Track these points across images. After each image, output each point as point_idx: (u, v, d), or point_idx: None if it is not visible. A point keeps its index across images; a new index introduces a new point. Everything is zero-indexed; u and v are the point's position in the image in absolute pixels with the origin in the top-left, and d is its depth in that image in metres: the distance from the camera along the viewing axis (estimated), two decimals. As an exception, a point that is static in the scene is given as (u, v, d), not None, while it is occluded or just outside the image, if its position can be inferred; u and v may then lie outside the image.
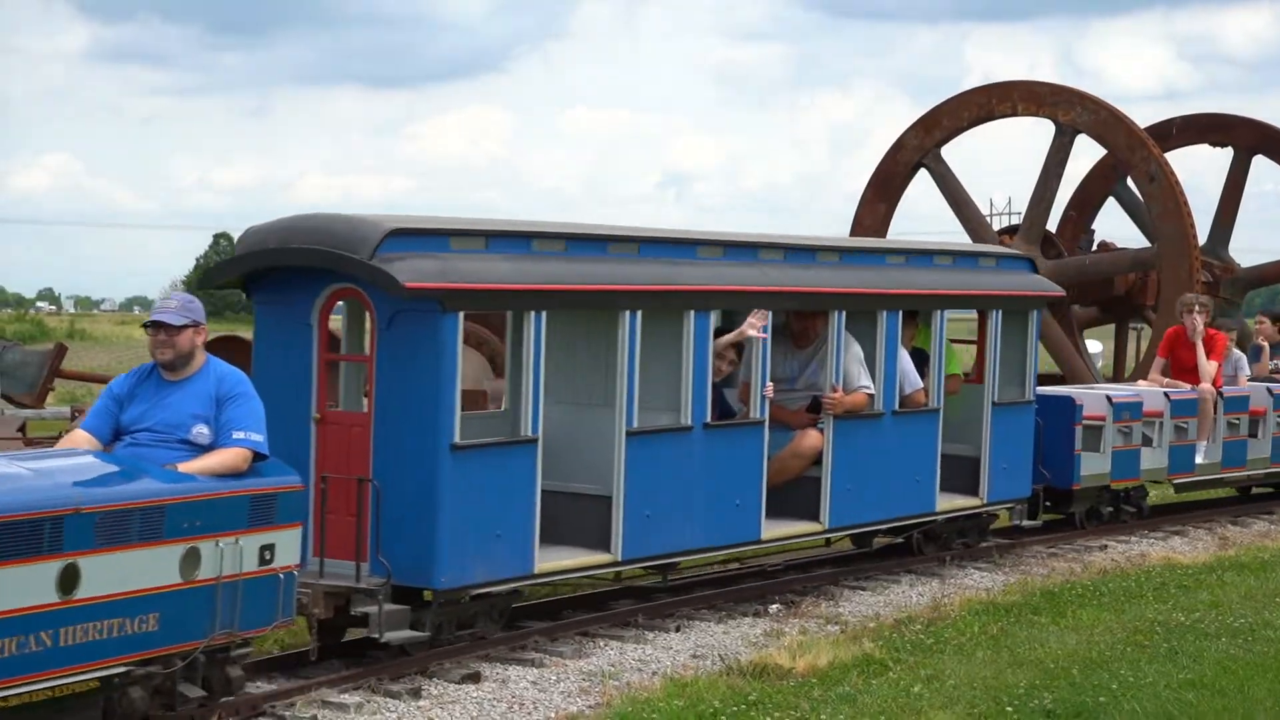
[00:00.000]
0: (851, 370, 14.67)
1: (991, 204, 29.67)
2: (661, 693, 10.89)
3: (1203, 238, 28.81)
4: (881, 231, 29.33)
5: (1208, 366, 19.67)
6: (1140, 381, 20.89)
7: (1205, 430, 19.72)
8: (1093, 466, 18.09)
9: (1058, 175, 28.06)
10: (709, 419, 13.26)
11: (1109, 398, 18.34)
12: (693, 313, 13.06)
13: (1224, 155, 32.15)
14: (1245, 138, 31.79)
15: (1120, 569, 16.49)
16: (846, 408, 14.64)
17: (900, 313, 15.24)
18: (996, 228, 28.88)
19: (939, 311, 15.92)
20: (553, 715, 10.60)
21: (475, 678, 11.32)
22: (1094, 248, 30.96)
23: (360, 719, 10.27)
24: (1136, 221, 31.28)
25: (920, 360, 16.00)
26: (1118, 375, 31.24)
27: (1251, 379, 21.46)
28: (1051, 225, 29.48)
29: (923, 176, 29.07)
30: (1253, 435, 20.77)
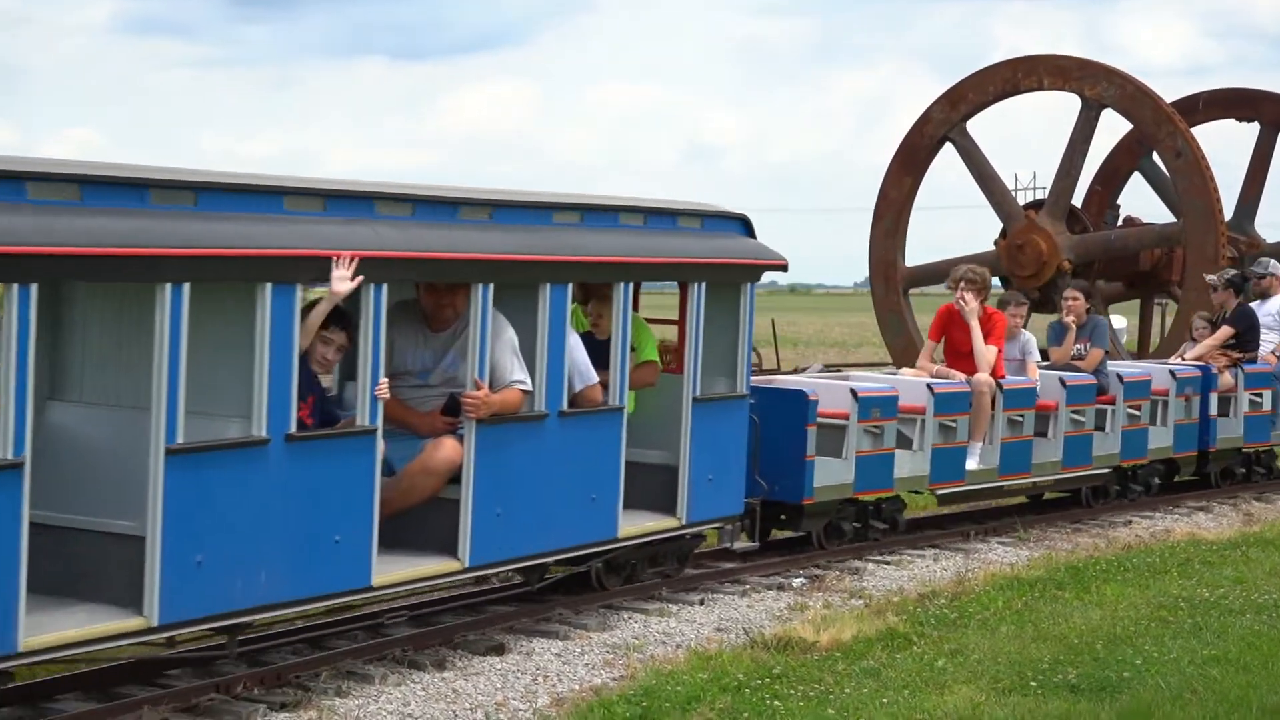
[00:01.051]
0: (502, 361, 11.44)
1: (1016, 179, 29.59)
2: (685, 665, 10.91)
3: (1229, 213, 28.70)
4: (907, 206, 29.29)
5: (985, 352, 16.34)
6: (905, 370, 17.96)
7: (980, 429, 16.40)
8: (831, 475, 14.86)
9: (1083, 150, 27.98)
10: (293, 429, 9.90)
11: (854, 391, 15.17)
12: (269, 285, 9.67)
13: (1250, 130, 32.03)
14: (1272, 113, 31.65)
15: (1145, 544, 16.47)
16: (494, 409, 11.32)
17: (570, 286, 11.98)
18: (1022, 202, 28.81)
19: (622, 284, 12.55)
20: (577, 687, 10.61)
21: (499, 649, 11.33)
22: (1119, 223, 30.86)
23: (385, 689, 10.29)
24: (1162, 197, 31.18)
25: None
26: (1143, 351, 31.20)
27: (1049, 366, 18.38)
28: (1077, 200, 29.39)
29: (948, 150, 29.00)
30: (1041, 434, 17.45)
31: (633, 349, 12.83)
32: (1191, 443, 19.75)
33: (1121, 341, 32.26)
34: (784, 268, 13.92)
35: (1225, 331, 20.50)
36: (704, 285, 13.08)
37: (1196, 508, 19.28)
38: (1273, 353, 20.94)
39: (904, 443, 15.67)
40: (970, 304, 16.37)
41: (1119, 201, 32.25)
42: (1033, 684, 10.48)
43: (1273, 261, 21.61)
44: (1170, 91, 31.75)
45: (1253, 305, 21.15)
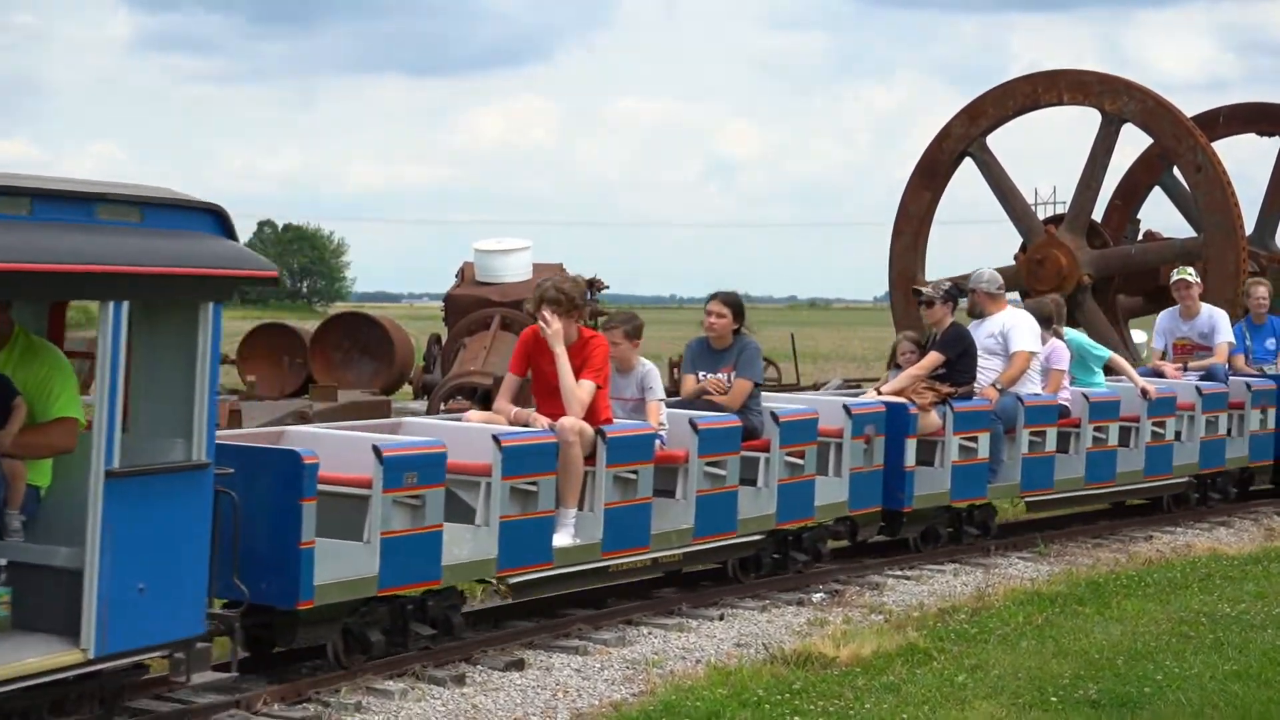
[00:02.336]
0: None
1: (1036, 193, 29.53)
2: (705, 681, 10.90)
3: (1250, 227, 28.64)
4: (927, 220, 29.27)
5: (576, 390, 12.36)
6: (471, 414, 13.22)
7: (572, 493, 12.24)
8: (345, 567, 10.56)
9: (1104, 165, 27.91)
10: None
11: (377, 449, 10.79)
12: None
13: (1271, 145, 31.92)
14: (1292, 127, 31.56)
15: (1165, 559, 16.43)
16: None
17: None
18: (1042, 217, 28.75)
19: None
20: (596, 703, 10.61)
21: (519, 665, 11.34)
22: (1140, 237, 30.81)
23: (405, 705, 10.29)
24: (1183, 211, 31.11)
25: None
26: (1162, 365, 31.07)
27: (680, 403, 14.17)
28: (1097, 215, 29.33)
29: (968, 164, 28.97)
30: (670, 495, 13.21)
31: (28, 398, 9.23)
32: (875, 498, 15.29)
33: (1141, 355, 32.21)
34: (273, 281, 9.75)
35: (932, 359, 15.88)
36: (127, 305, 8.83)
37: (1218, 523, 19.23)
38: (994, 385, 16.49)
39: (461, 515, 11.56)
40: (553, 326, 12.49)
41: (1139, 216, 32.18)
42: (1053, 699, 10.46)
43: (988, 272, 17.22)
44: (1190, 106, 31.75)
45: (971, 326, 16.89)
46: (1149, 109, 27.10)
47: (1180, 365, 19.66)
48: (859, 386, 31.44)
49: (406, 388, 32.05)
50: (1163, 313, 20.58)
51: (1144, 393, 18.26)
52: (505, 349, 28.07)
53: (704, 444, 13.16)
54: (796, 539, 14.47)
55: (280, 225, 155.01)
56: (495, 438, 11.59)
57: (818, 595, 14.19)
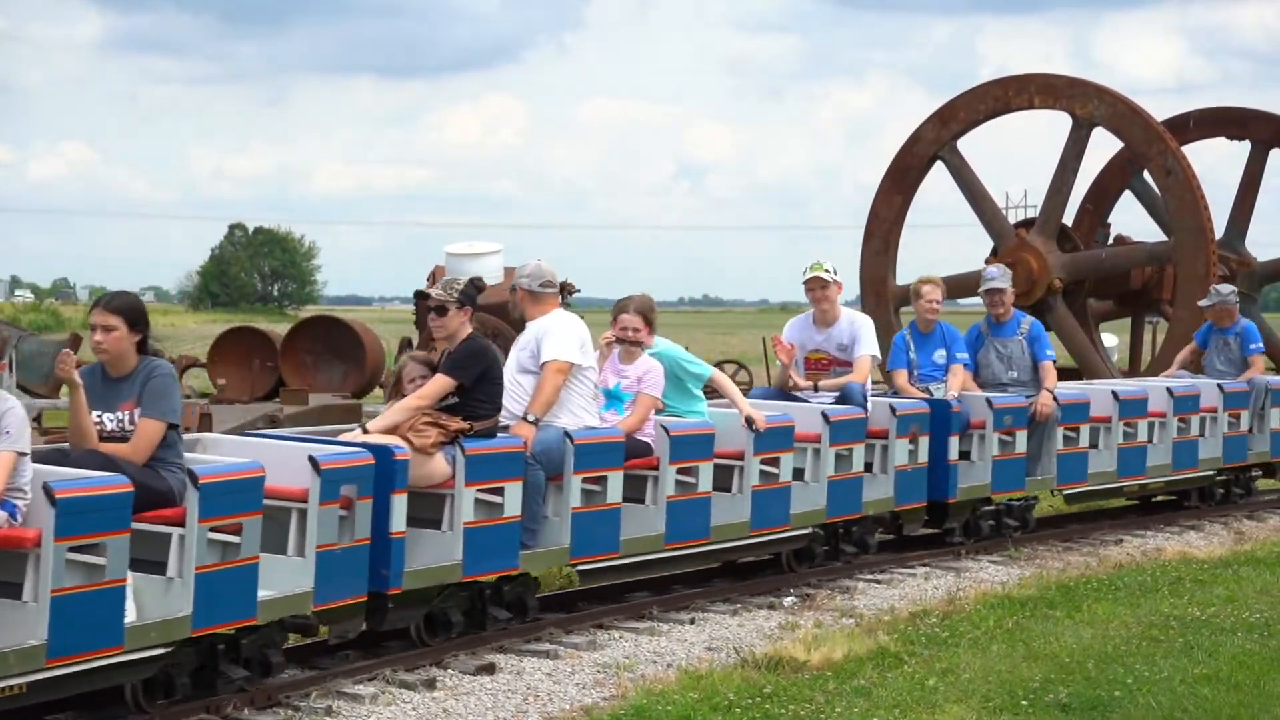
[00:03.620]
0: None
1: (1008, 197, 29.64)
2: (676, 685, 10.89)
3: (1219, 231, 28.77)
4: (898, 224, 29.36)
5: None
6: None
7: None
8: None
9: (1074, 168, 28.03)
10: None
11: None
12: None
13: (1241, 149, 32.11)
14: (1262, 131, 31.73)
15: (1136, 563, 16.45)
16: None
17: None
18: (1013, 221, 28.86)
19: None
20: (567, 707, 10.59)
21: (490, 669, 11.32)
22: (1110, 241, 30.93)
23: (375, 709, 10.27)
24: (1153, 215, 31.25)
25: None
26: (1133, 369, 31.23)
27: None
28: (1068, 219, 29.44)
29: (939, 168, 29.06)
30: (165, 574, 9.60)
31: None
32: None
33: (1112, 360, 32.32)
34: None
35: (436, 385, 11.59)
36: None
37: (1188, 526, 19.26)
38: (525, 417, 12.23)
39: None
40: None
41: (1110, 220, 32.33)
42: (1024, 703, 10.47)
43: (533, 264, 12.66)
44: (1159, 109, 31.92)
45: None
46: (1119, 113, 27.21)
47: (811, 383, 15.56)
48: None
49: (378, 391, 32.03)
50: (793, 319, 16.07)
51: (749, 422, 13.84)
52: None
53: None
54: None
55: (251, 228, 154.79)
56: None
57: (789, 599, 14.19)
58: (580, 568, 12.64)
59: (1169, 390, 18.97)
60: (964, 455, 16.35)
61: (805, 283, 15.60)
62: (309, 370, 28.60)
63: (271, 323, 60.45)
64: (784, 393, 15.50)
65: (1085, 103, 27.36)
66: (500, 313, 28.89)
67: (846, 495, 14.96)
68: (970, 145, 29.11)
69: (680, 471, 13.25)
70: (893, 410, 15.49)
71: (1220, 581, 15.27)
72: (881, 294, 29.19)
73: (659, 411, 13.43)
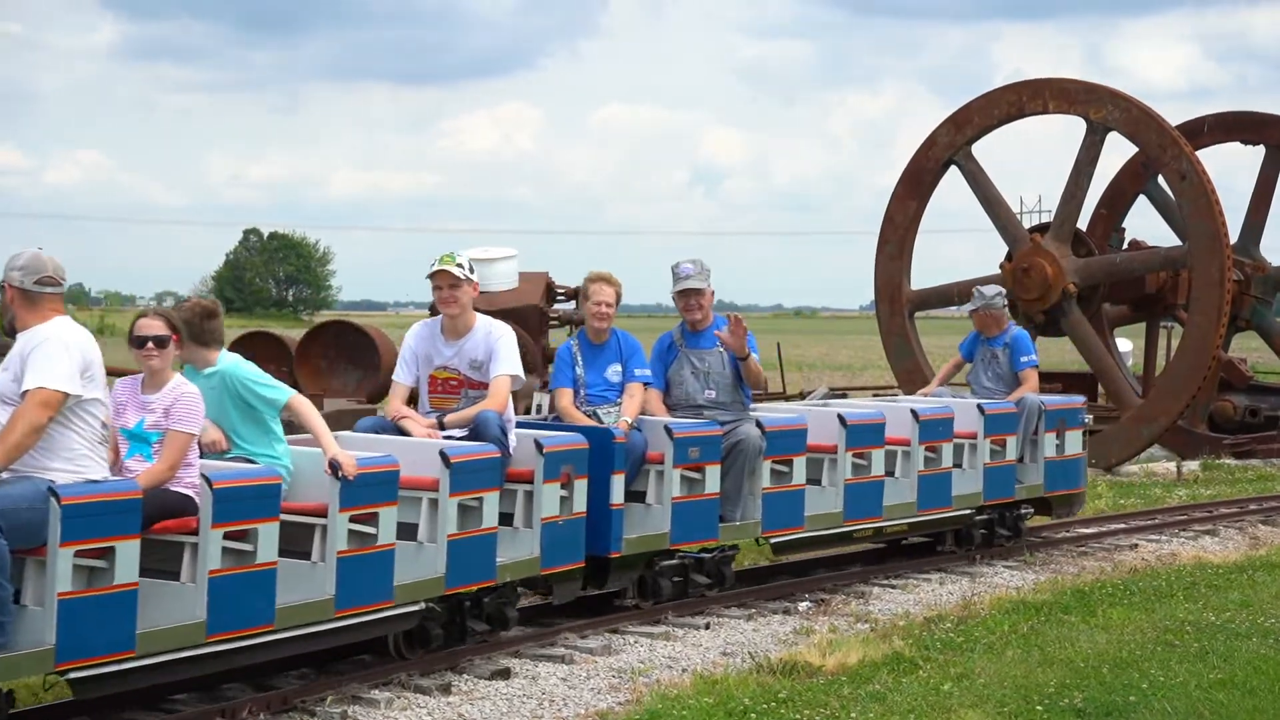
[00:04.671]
0: None
1: (1022, 202, 29.62)
2: (691, 690, 10.89)
3: (1234, 236, 28.73)
4: (913, 229, 29.34)
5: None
6: None
7: None
8: None
9: (1089, 173, 27.98)
10: None
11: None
12: None
13: (1255, 153, 32.09)
14: (1277, 136, 31.71)
15: (1151, 568, 16.45)
16: None
17: None
18: (1027, 225, 28.83)
19: None
20: (583, 712, 10.60)
21: (505, 674, 11.33)
22: (1125, 246, 30.90)
23: (391, 714, 10.28)
24: (1168, 220, 31.22)
25: None
26: (1148, 374, 31.21)
27: None
28: (1082, 223, 29.41)
29: (953, 173, 29.04)
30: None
31: None
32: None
33: (1127, 364, 32.29)
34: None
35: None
36: None
37: (1203, 531, 19.25)
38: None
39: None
40: None
41: (1124, 225, 32.30)
42: (1039, 708, 10.46)
43: (27, 254, 9.16)
44: (1173, 114, 31.88)
45: None
46: (1134, 118, 27.16)
47: (441, 413, 11.96)
48: (845, 395, 31.45)
49: (392, 396, 32.02)
50: (418, 325, 12.45)
51: (333, 467, 10.18)
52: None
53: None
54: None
55: (266, 234, 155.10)
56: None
57: (804, 604, 14.19)
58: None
59: (914, 413, 15.61)
60: (637, 497, 13.17)
61: (429, 277, 12.12)
62: (324, 375, 28.60)
63: (286, 328, 60.55)
64: (397, 425, 11.86)
65: (1100, 107, 27.32)
66: (514, 317, 28.92)
67: (473, 559, 11.26)
68: (985, 150, 29.07)
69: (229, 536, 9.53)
70: (539, 447, 11.88)
71: (1235, 586, 15.26)
72: (896, 300, 29.19)
73: (222, 453, 10.33)
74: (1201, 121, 31.93)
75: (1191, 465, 27.39)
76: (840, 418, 14.75)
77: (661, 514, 13.12)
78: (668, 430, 13.11)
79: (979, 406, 16.34)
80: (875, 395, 16.28)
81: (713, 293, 14.17)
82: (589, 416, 13.06)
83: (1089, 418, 17.90)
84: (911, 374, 28.81)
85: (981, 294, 17.08)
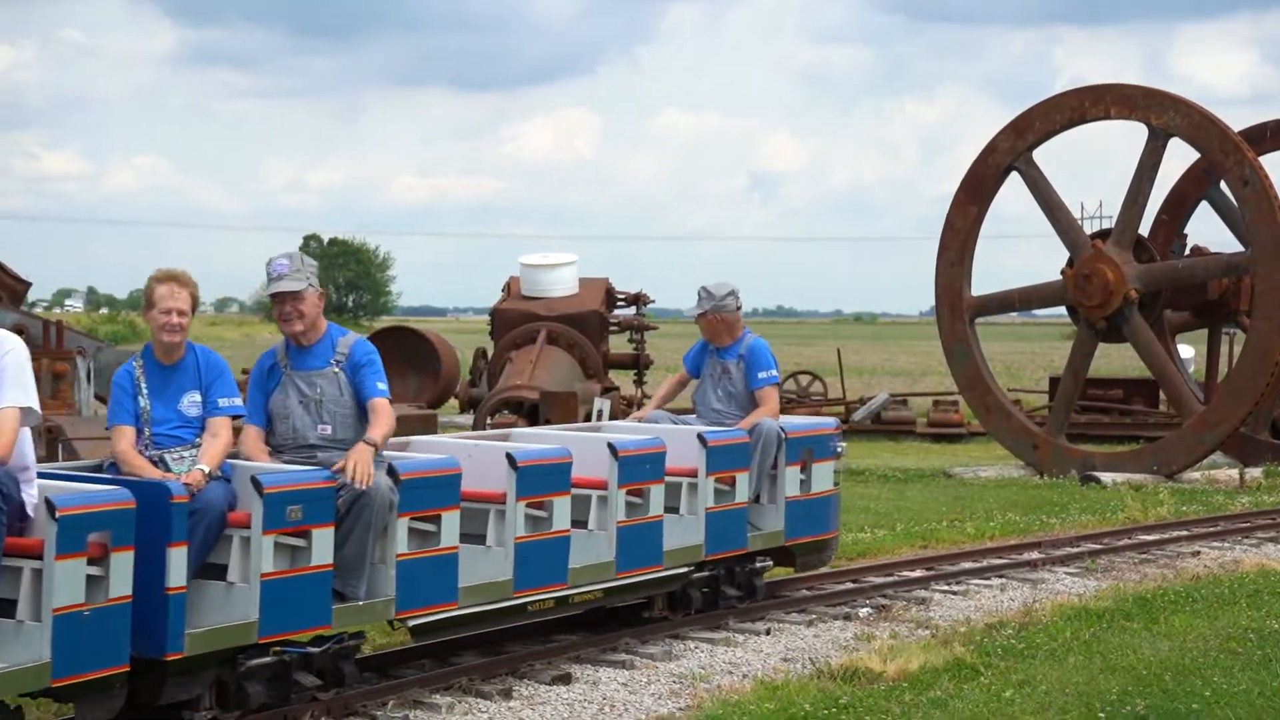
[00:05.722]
0: None
1: (1083, 207, 29.49)
2: (752, 695, 10.90)
3: (1297, 242, 28.52)
4: (973, 234, 29.27)
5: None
6: None
7: None
8: None
9: (1150, 179, 27.86)
10: None
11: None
12: None
13: (1319, 159, 31.83)
14: (1340, 141, 31.46)
15: (1213, 575, 16.37)
16: None
17: None
18: (1088, 231, 28.72)
19: None
20: (644, 717, 10.61)
21: (566, 679, 11.35)
22: (1187, 252, 30.73)
23: (452, 718, 10.32)
24: (1230, 226, 31.03)
25: None
26: (1210, 380, 31.03)
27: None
28: (1144, 229, 29.27)
29: (1014, 179, 28.95)
30: None
31: None
32: None
33: (1189, 371, 32.11)
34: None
35: None
36: None
37: (1266, 538, 19.15)
38: None
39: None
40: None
41: (1186, 230, 32.11)
42: (1100, 715, 10.42)
43: None
44: (1234, 119, 31.55)
45: None
46: (1195, 123, 27.04)
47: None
48: (905, 401, 31.30)
49: (453, 401, 32.12)
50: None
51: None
52: (552, 363, 28.22)
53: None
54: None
55: (326, 239, 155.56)
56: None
57: (864, 610, 14.18)
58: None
59: (611, 448, 12.15)
60: (217, 573, 9.52)
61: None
62: (384, 380, 28.71)
63: (346, 334, 60.55)
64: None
65: (1161, 113, 27.21)
66: (574, 323, 28.97)
67: None
68: (1045, 155, 28.93)
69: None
70: (52, 511, 8.29)
71: (1299, 594, 15.17)
72: (957, 305, 29.11)
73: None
74: (1264, 127, 31.73)
75: (1254, 472, 27.21)
76: (510, 457, 11.24)
77: (247, 596, 9.46)
78: (255, 482, 9.51)
79: (700, 436, 12.95)
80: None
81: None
82: (154, 463, 9.67)
83: (843, 446, 14.68)
84: (972, 380, 28.74)
85: (710, 294, 13.79)
